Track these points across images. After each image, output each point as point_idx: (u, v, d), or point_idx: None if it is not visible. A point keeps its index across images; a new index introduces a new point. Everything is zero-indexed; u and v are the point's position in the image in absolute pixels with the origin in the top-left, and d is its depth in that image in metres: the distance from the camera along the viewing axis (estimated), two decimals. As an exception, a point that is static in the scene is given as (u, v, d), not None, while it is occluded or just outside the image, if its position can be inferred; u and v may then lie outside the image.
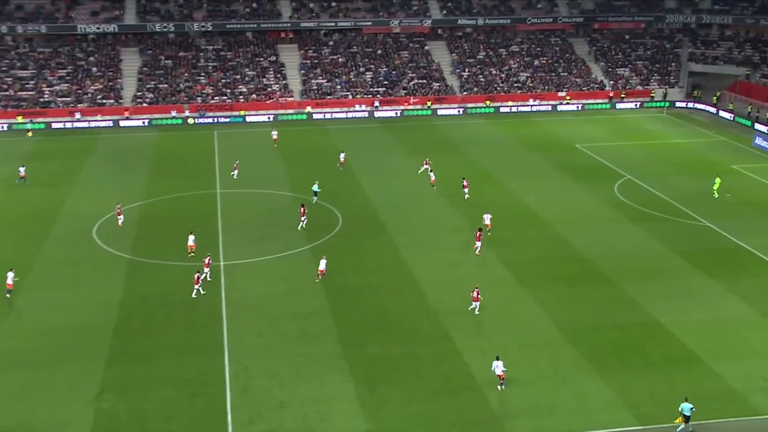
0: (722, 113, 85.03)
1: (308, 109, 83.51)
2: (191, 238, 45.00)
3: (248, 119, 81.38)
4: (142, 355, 34.63)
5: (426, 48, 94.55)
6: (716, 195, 56.44)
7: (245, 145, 71.20)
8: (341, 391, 32.21)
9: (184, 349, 35.19)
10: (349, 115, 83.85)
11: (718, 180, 57.36)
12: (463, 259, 44.93)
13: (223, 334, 36.48)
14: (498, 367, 32.53)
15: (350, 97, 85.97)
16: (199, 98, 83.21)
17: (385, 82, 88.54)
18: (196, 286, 39.91)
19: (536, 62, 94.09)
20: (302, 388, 32.42)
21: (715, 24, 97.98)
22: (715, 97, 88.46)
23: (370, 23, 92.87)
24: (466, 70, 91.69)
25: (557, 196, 55.94)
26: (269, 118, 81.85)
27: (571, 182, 59.69)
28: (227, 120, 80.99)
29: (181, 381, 32.78)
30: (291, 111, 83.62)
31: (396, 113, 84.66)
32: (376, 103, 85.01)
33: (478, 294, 38.60)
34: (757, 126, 78.51)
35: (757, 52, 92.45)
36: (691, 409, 29.85)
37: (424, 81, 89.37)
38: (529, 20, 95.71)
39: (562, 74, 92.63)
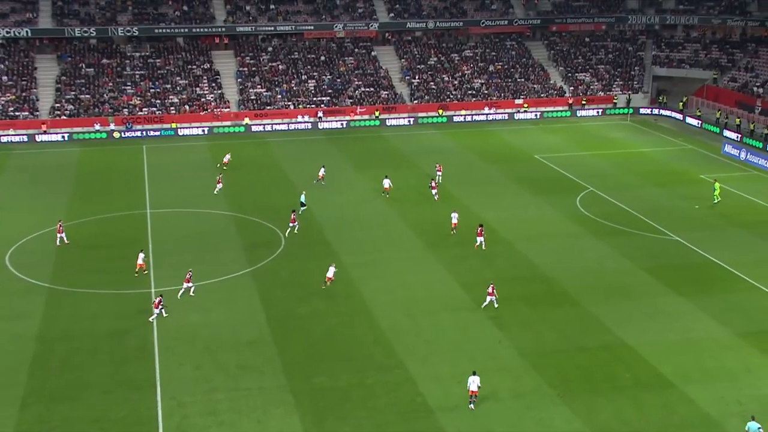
0: (689, 120, 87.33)
1: (246, 120, 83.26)
2: (141, 256, 45.53)
3: (180, 132, 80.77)
4: (63, 395, 33.94)
5: (373, 53, 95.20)
6: (717, 199, 58.50)
7: (177, 161, 70.62)
8: (286, 427, 32.02)
9: (112, 386, 34.60)
10: (291, 126, 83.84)
11: (717, 185, 59.17)
12: (417, 281, 45.17)
13: (156, 367, 35.99)
14: (474, 382, 33.11)
15: (292, 107, 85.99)
16: (125, 110, 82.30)
17: (330, 91, 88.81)
18: (156, 311, 40.12)
19: (491, 68, 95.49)
20: (243, 424, 32.14)
21: (680, 25, 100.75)
22: (681, 103, 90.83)
23: (312, 27, 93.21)
24: (417, 77, 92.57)
25: (516, 211, 56.69)
26: (203, 130, 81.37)
27: (531, 196, 60.54)
28: (157, 133, 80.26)
29: (109, 421, 32.21)
30: (227, 123, 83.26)
31: (342, 124, 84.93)
32: (320, 114, 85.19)
33: (493, 289, 41.45)
34: (726, 133, 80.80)
35: (724, 54, 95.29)
36: (759, 428, 30.20)
37: (372, 89, 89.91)
38: (483, 23, 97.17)
39: (518, 80, 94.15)
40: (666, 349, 37.80)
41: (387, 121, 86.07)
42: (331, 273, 44.18)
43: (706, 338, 38.89)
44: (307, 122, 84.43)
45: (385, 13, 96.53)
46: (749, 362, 36.66)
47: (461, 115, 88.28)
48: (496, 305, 41.54)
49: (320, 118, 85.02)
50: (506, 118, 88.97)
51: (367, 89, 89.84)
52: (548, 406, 33.44)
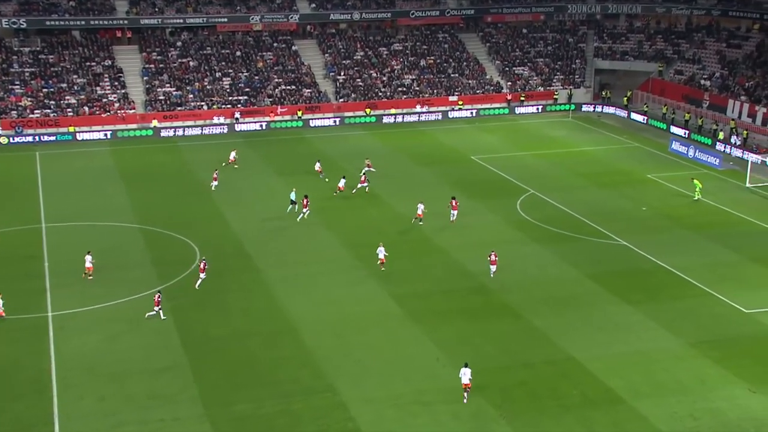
0: (634, 115, 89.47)
1: (154, 123, 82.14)
2: (88, 258, 46.21)
3: (79, 137, 79.22)
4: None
5: (294, 48, 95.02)
6: (698, 196, 60.84)
7: (76, 169, 69.27)
8: (204, 463, 31.63)
9: (1, 426, 33.63)
10: (205, 129, 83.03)
11: (696, 183, 61.21)
12: (346, 295, 45.19)
13: (53, 402, 35.14)
14: (465, 374, 34.97)
15: (205, 107, 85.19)
16: (14, 112, 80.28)
17: (247, 90, 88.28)
18: (156, 308, 41.83)
19: (422, 62, 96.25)
20: (156, 462, 31.61)
21: (623, 14, 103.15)
22: (625, 98, 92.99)
23: (225, 20, 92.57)
24: (342, 74, 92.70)
25: (448, 216, 57.13)
26: (105, 135, 79.98)
27: (468, 200, 61.16)
28: (52, 138, 78.54)
29: (0, 465, 31.32)
30: (133, 126, 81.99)
31: (261, 126, 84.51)
32: (237, 115, 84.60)
33: (495, 256, 46.95)
34: (673, 129, 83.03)
35: (669, 45, 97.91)
36: None
37: (293, 87, 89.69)
38: (413, 14, 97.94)
39: (452, 76, 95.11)
40: (615, 362, 38.54)
41: (310, 121, 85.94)
42: (381, 254, 48.16)
43: (656, 349, 39.79)
44: (223, 124, 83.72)
45: (306, 4, 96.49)
46: (702, 373, 37.63)
47: (391, 115, 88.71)
48: (492, 275, 46.85)
49: (237, 119, 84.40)
50: (440, 116, 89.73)
51: (288, 87, 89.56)
52: (491, 428, 33.73)
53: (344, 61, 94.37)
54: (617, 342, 40.43)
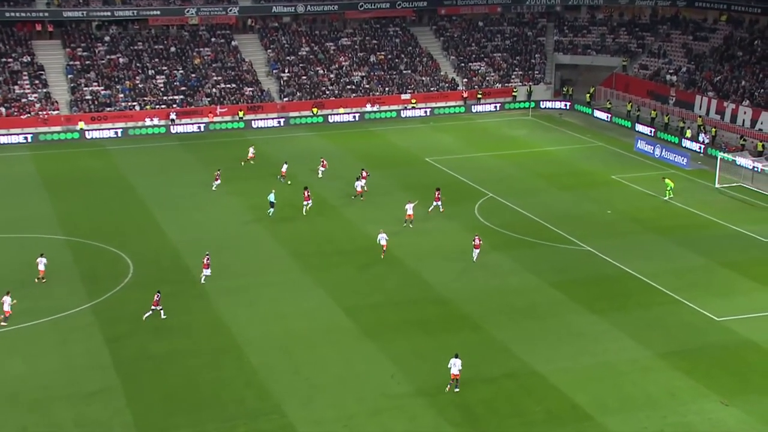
0: (597, 113, 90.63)
1: (81, 125, 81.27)
2: (42, 261, 46.87)
3: (-3, 141, 78.21)
4: None
5: (234, 43, 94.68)
6: (671, 195, 62.30)
7: (-5, 176, 68.33)
8: (141, 494, 31.32)
9: None
10: (137, 131, 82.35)
11: (668, 182, 62.52)
12: (293, 309, 45.11)
13: (-28, 432, 34.58)
14: (455, 365, 36.75)
15: (137, 108, 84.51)
16: (-75, 115, 78.96)
17: (183, 89, 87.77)
18: (156, 308, 43.35)
19: (372, 58, 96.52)
20: (87, 494, 31.23)
21: (584, 6, 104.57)
22: (588, 94, 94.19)
23: (158, 12, 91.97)
24: (286, 71, 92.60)
25: (406, 223, 57.33)
26: (26, 138, 78.90)
27: (421, 206, 61.43)
28: (-33, 143, 77.42)
29: None
30: (57, 129, 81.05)
31: (199, 127, 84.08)
32: (173, 116, 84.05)
33: (479, 240, 50.32)
34: (639, 127, 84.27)
35: (633, 38, 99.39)
36: None
37: (234, 85, 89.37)
38: (362, 6, 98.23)
39: (404, 72, 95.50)
40: (580, 375, 38.95)
41: (253, 122, 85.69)
42: (383, 240, 50.90)
43: (624, 361, 40.27)
44: (157, 126, 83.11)
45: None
46: (672, 386, 38.16)
47: (339, 114, 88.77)
48: (474, 260, 50.27)
49: (173, 120, 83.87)
50: (392, 116, 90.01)
51: (228, 86, 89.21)
52: (450, 448, 33.89)
53: (288, 58, 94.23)
54: (582, 354, 40.86)
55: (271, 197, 59.14)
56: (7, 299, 43.35)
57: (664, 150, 74.56)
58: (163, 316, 43.79)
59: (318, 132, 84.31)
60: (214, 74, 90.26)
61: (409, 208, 56.58)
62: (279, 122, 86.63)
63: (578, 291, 47.49)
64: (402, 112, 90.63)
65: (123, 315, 44.04)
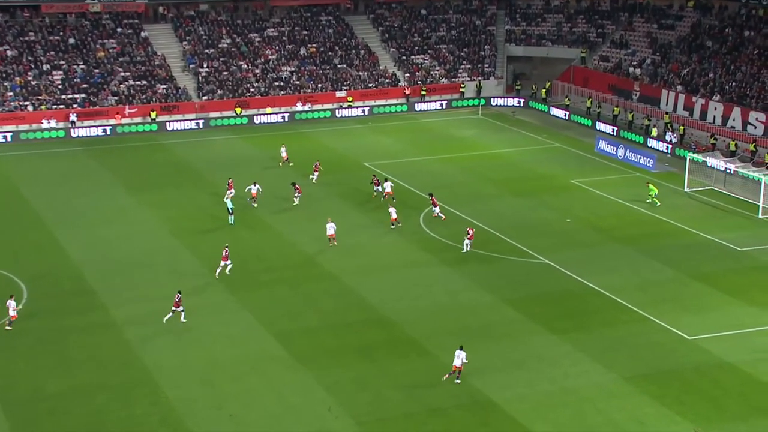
0: (554, 111, 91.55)
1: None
2: (12, 305, 45.46)
3: None
4: None
5: (143, 34, 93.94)
6: (657, 202, 63.02)
7: None
8: None
9: None
10: (31, 135, 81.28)
11: (652, 188, 63.37)
12: (217, 334, 44.77)
13: None
14: (459, 357, 39.19)
15: (30, 108, 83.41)
16: None
17: (85, 86, 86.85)
18: (177, 309, 45.15)
19: (303, 51, 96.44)
20: None
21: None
22: (543, 90, 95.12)
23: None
24: (205, 65, 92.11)
25: (344, 237, 57.26)
26: None
27: (359, 214, 61.43)
28: None
29: None
30: (-60, 133, 79.74)
31: (104, 130, 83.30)
32: (73, 117, 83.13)
33: (472, 232, 54.14)
34: (600, 125, 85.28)
35: (593, 27, 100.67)
36: None
37: (144, 82, 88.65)
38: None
39: (339, 67, 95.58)
40: (539, 402, 39.15)
41: (167, 124, 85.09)
42: (331, 230, 53.94)
43: (587, 386, 40.58)
44: (55, 129, 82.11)
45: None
46: (641, 413, 38.52)
47: (266, 114, 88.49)
48: (464, 251, 54.18)
49: (73, 123, 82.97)
50: (326, 115, 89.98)
51: (138, 83, 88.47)
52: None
53: (207, 51, 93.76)
54: (541, 379, 41.11)
55: (229, 204, 59.62)
56: (11, 303, 45.25)
57: (628, 151, 75.52)
58: (183, 319, 45.39)
59: (242, 135, 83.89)
60: (121, 70, 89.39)
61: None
62: (197, 124, 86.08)
63: (536, 309, 47.80)
64: (337, 111, 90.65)
65: (16, 347, 43.22)
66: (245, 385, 40.28)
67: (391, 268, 53.09)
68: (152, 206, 63.16)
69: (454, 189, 67.10)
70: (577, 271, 52.55)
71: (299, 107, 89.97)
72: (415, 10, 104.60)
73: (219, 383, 40.45)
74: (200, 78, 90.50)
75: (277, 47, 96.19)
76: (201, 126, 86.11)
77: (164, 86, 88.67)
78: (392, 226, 58.73)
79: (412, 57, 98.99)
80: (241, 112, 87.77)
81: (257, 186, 62.96)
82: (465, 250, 54.70)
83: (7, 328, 44.78)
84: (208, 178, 69.60)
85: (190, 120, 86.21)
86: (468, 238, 54.79)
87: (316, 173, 68.75)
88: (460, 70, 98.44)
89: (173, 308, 45.45)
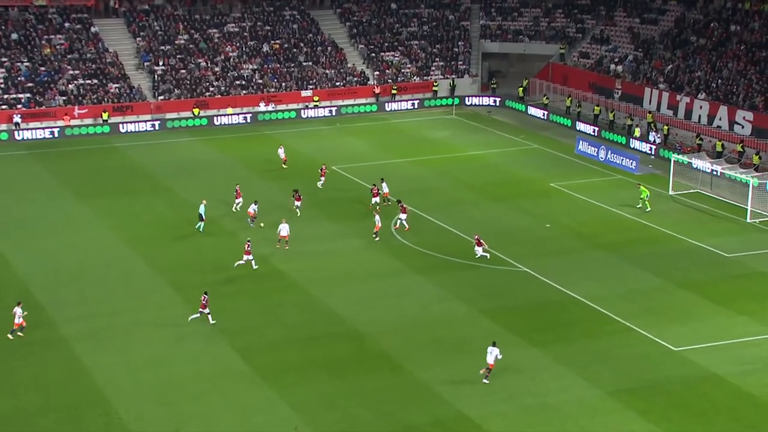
0: (532, 110, 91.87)
1: None
2: (18, 312, 45.61)
3: None
4: None
5: (94, 30, 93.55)
6: (648, 207, 63.27)
7: None
8: None
9: None
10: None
11: (643, 190, 63.65)
12: (174, 351, 44.53)
13: None
14: (492, 353, 40.54)
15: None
16: None
17: (30, 85, 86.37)
18: (203, 311, 46.38)
19: (266, 48, 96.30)
20: None
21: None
22: (521, 88, 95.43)
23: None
24: (161, 63, 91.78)
25: (311, 244, 57.21)
26: None
27: (328, 221, 61.34)
28: None
29: None
30: None
31: (51, 133, 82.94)
32: (17, 119, 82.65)
33: (480, 240, 54.51)
34: (580, 126, 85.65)
35: (572, 22, 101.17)
36: None
37: (95, 81, 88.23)
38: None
39: (305, 64, 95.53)
40: (518, 419, 39.13)
41: (120, 125, 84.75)
42: (284, 231, 55.36)
43: (569, 401, 40.60)
44: None
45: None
46: (626, 430, 38.57)
47: (227, 115, 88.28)
48: (478, 255, 54.67)
49: (17, 125, 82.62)
50: (290, 116, 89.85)
51: (88, 81, 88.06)
52: None
53: (163, 47, 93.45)
54: (521, 394, 41.11)
55: (202, 209, 59.51)
56: (18, 310, 45.77)
57: (609, 152, 75.85)
58: (212, 321, 46.50)
59: (201, 137, 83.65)
60: (69, 67, 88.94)
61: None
62: (153, 125, 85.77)
63: (514, 320, 47.86)
64: (303, 111, 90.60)
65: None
66: (205, 404, 40.03)
67: (361, 278, 53.00)
68: (104, 214, 62.77)
69: (427, 194, 67.14)
70: (557, 280, 52.68)
71: (262, 107, 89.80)
72: (384, 4, 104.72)
73: (177, 402, 40.18)
74: (156, 76, 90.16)
75: (238, 44, 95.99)
76: (157, 128, 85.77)
77: (117, 85, 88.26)
78: (375, 237, 58.41)
79: (382, 54, 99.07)
80: (199, 113, 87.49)
81: (256, 206, 61.10)
82: (479, 255, 55.31)
83: (9, 336, 45.40)
84: (165, 184, 69.26)
85: (145, 121, 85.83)
86: (477, 244, 55.08)
87: (323, 178, 68.43)
88: (433, 68, 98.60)
89: (200, 310, 46.71)
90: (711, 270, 54.61)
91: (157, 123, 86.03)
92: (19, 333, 45.46)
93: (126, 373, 42.59)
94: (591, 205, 65.60)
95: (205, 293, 46.84)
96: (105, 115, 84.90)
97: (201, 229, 59.42)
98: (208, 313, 46.72)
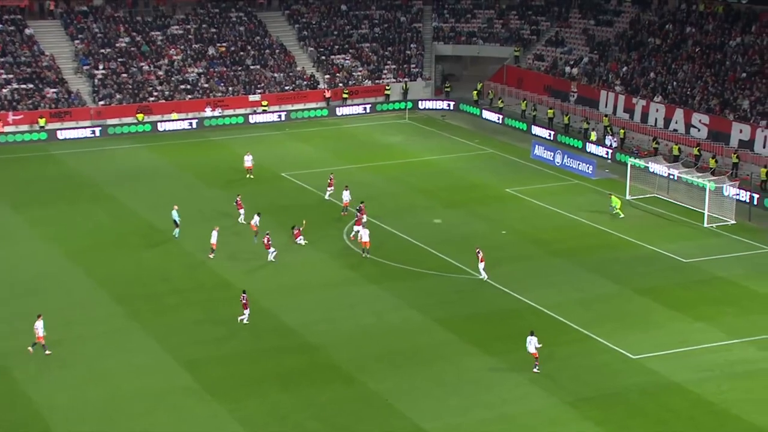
0: (487, 114, 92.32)
1: None
2: (39, 325, 44.99)
3: None
4: None
5: (28, 32, 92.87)
6: (621, 214, 63.88)
7: None
8: None
9: None
10: None
11: (615, 199, 64.41)
12: (119, 366, 44.23)
13: None
14: (531, 342, 42.68)
15: None
16: None
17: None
18: (246, 312, 48.02)
19: (211, 50, 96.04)
20: None
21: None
22: (475, 92, 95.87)
23: None
24: (101, 67, 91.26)
25: (260, 253, 57.07)
26: None
27: (277, 229, 61.26)
28: None
29: None
30: None
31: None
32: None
33: (480, 253, 53.51)
34: (535, 129, 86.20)
35: (527, 24, 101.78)
36: None
37: (30, 86, 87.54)
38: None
39: (252, 68, 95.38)
40: (475, 430, 39.38)
41: (58, 132, 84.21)
42: (214, 238, 55.66)
43: (526, 412, 40.80)
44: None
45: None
46: (584, 439, 39.08)
47: (171, 121, 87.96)
48: (481, 276, 53.57)
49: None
50: (238, 121, 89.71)
51: (23, 86, 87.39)
52: None
53: (103, 50, 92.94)
54: (477, 405, 41.27)
55: (175, 215, 59.64)
56: (39, 324, 45.19)
57: (565, 156, 76.40)
58: (245, 321, 48.04)
59: (145, 143, 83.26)
60: (2, 71, 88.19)
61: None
62: (93, 132, 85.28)
63: (470, 329, 48.07)
64: (250, 116, 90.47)
65: None
66: (150, 421, 39.84)
67: (312, 288, 53.02)
68: (42, 225, 62.31)
69: (379, 200, 67.23)
70: (513, 288, 53.00)
71: (208, 113, 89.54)
72: (334, 5, 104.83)
73: (120, 420, 39.91)
74: (96, 81, 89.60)
75: (182, 47, 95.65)
76: (98, 134, 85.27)
77: (54, 90, 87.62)
78: (364, 254, 57.62)
79: (332, 57, 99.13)
80: (142, 119, 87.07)
81: (258, 218, 60.28)
82: (483, 276, 54.16)
83: (30, 348, 44.95)
84: (107, 192, 68.85)
85: (85, 128, 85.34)
86: (480, 260, 53.95)
87: (331, 188, 67.66)
88: (385, 71, 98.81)
89: (245, 311, 48.27)
90: (668, 276, 55.18)
91: (97, 129, 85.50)
92: (47, 351, 44.90)
93: (66, 391, 42.23)
94: (547, 210, 66.05)
95: (244, 292, 48.49)
96: (42, 122, 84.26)
97: (177, 236, 59.37)
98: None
